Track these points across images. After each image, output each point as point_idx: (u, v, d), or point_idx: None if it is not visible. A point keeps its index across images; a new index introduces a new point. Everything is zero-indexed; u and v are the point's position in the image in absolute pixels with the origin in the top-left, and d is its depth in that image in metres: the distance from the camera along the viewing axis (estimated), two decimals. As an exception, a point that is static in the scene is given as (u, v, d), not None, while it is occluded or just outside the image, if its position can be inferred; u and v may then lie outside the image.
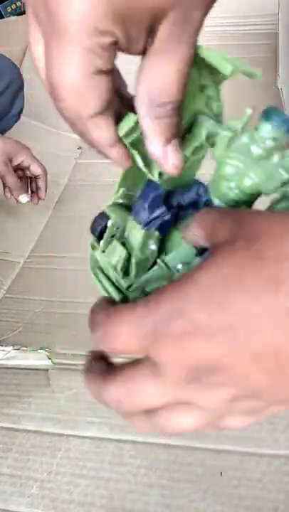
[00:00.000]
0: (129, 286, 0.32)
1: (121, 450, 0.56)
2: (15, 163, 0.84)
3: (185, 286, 0.21)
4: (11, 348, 0.69)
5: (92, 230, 0.34)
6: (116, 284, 0.33)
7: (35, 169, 0.87)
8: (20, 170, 0.87)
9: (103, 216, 0.33)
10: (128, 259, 0.32)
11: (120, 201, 0.34)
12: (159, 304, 0.22)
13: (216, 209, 0.27)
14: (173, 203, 0.31)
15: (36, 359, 0.68)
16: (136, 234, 0.31)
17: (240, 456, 0.54)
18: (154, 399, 0.23)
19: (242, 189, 0.27)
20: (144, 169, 0.29)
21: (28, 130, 1.15)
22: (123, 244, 0.32)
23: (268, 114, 0.27)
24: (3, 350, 0.69)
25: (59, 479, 0.54)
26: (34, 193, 0.90)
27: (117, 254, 0.32)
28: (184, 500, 0.51)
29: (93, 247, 0.34)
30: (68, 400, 0.62)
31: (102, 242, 0.33)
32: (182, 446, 0.55)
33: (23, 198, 0.86)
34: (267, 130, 0.27)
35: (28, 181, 0.90)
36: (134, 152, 0.28)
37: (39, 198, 0.90)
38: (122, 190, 0.33)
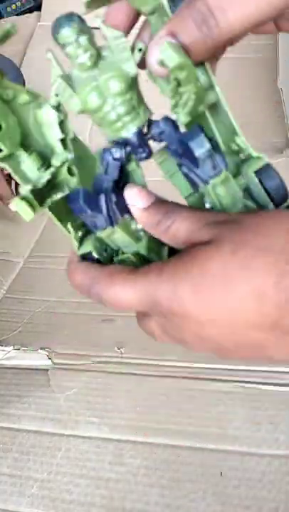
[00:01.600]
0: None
1: (121, 450, 0.56)
2: (7, 170, 0.84)
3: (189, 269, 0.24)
4: (11, 347, 0.69)
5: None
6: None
7: None
8: None
9: None
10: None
11: None
12: (171, 279, 0.25)
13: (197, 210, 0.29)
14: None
15: (36, 359, 0.68)
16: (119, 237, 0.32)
17: (241, 456, 0.54)
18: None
19: None
20: None
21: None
22: None
23: None
24: (3, 350, 0.69)
25: (59, 479, 0.55)
26: None
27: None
28: (184, 500, 0.51)
29: None
30: (68, 400, 0.62)
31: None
32: (182, 446, 0.55)
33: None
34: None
35: None
36: None
37: None
38: None
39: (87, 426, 0.59)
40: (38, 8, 1.59)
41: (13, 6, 1.59)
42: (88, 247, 0.33)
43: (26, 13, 1.60)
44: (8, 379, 0.66)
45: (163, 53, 0.26)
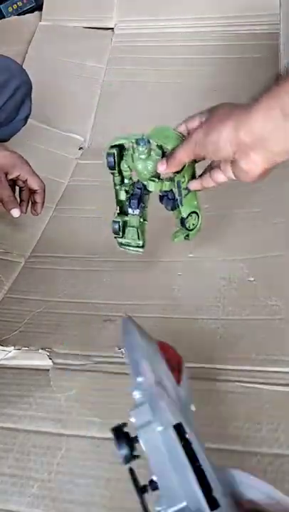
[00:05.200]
0: None
1: (121, 450, 0.56)
2: (10, 176, 0.84)
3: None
4: (12, 348, 0.70)
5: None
6: None
7: (32, 184, 0.86)
8: (21, 181, 0.86)
9: None
10: None
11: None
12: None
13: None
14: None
15: (37, 359, 0.68)
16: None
17: (241, 456, 0.54)
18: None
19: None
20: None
21: (30, 131, 1.15)
22: None
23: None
24: (4, 350, 0.69)
25: (59, 479, 0.55)
26: (34, 204, 0.90)
27: None
28: (185, 500, 0.51)
29: None
30: (69, 400, 0.62)
31: None
32: (183, 446, 0.55)
33: (15, 212, 0.85)
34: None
35: (28, 193, 0.90)
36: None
37: (36, 213, 0.90)
38: None
39: (87, 426, 0.59)
40: (39, 8, 1.60)
41: (15, 6, 1.59)
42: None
43: (27, 12, 1.61)
44: (8, 379, 0.66)
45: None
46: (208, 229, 0.79)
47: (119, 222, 0.74)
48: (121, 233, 0.74)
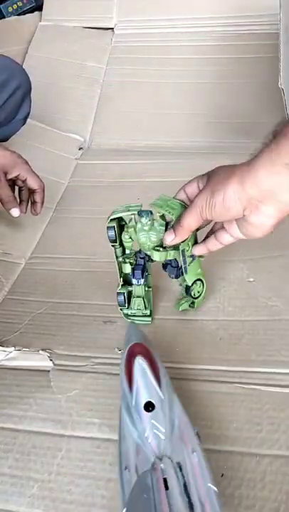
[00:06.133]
0: None
1: (122, 451, 0.56)
2: (10, 176, 0.84)
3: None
4: (12, 348, 0.70)
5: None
6: None
7: (31, 184, 0.86)
8: (21, 181, 0.87)
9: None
10: None
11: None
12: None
13: None
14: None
15: (37, 360, 0.68)
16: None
17: (241, 457, 0.54)
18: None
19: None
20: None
21: (30, 131, 1.16)
22: None
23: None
24: (4, 351, 0.69)
25: (60, 479, 0.55)
26: (34, 204, 0.90)
27: None
28: (185, 501, 0.51)
29: None
30: (69, 401, 0.62)
31: None
32: (183, 446, 0.55)
33: (15, 212, 0.85)
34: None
35: (27, 193, 0.90)
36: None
37: (35, 212, 0.90)
38: None
39: (87, 427, 0.59)
40: (39, 8, 1.60)
41: (15, 6, 1.59)
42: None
43: (27, 13, 1.61)
44: (9, 380, 0.66)
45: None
46: (208, 229, 0.79)
47: (124, 293, 0.70)
48: (126, 304, 0.71)
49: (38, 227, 1.00)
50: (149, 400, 0.49)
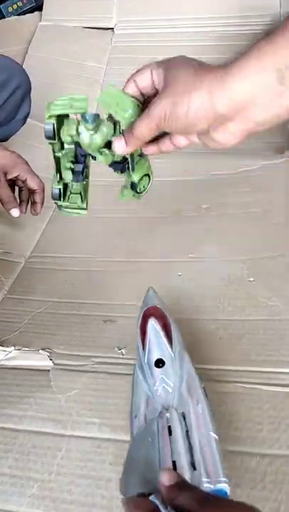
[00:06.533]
0: None
1: (122, 451, 0.56)
2: (9, 176, 0.84)
3: None
4: (12, 348, 0.70)
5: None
6: None
7: (31, 184, 0.86)
8: (21, 181, 0.87)
9: None
10: None
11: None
12: None
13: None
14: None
15: (37, 360, 0.68)
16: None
17: (242, 457, 0.54)
18: None
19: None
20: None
21: (29, 131, 1.15)
22: None
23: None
24: (4, 351, 0.69)
25: (60, 479, 0.55)
26: (33, 204, 0.90)
27: None
28: (185, 501, 0.51)
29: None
30: (69, 401, 0.62)
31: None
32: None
33: (15, 212, 0.85)
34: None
35: (27, 193, 0.90)
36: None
37: (35, 213, 0.90)
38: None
39: (87, 426, 0.59)
40: (39, 8, 1.60)
41: (15, 6, 1.59)
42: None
43: (27, 13, 1.61)
44: (9, 379, 0.66)
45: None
46: (208, 229, 0.79)
47: (60, 188, 0.64)
48: (62, 198, 0.66)
49: (38, 227, 1.00)
50: (160, 357, 0.52)
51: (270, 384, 0.60)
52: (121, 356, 0.67)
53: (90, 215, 1.01)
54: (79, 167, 0.62)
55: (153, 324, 0.54)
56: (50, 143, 0.59)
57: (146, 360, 0.53)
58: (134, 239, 0.91)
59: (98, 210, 1.00)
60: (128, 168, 0.61)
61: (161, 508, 0.35)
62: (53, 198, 0.66)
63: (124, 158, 0.60)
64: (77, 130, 0.57)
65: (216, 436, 0.46)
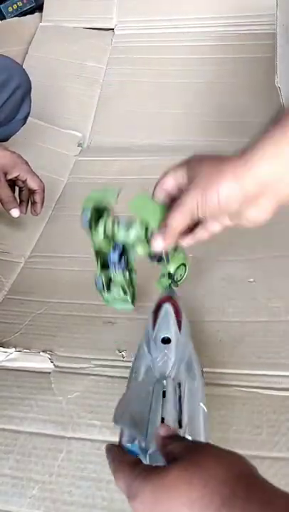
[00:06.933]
0: None
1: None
2: (9, 176, 0.84)
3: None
4: (13, 349, 0.70)
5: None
6: None
7: (31, 184, 0.86)
8: (21, 181, 0.87)
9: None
10: None
11: None
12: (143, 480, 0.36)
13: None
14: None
15: (38, 362, 0.68)
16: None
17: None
18: None
19: None
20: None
21: (28, 129, 1.15)
22: None
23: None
24: (5, 352, 0.69)
25: (60, 481, 0.55)
26: (33, 204, 0.90)
27: None
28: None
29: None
30: (70, 403, 0.62)
31: None
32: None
33: (15, 212, 0.85)
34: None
35: (28, 193, 0.90)
36: None
37: (35, 213, 0.90)
38: None
39: (88, 428, 0.59)
40: (39, 8, 1.60)
41: (15, 6, 1.59)
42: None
43: (27, 13, 1.61)
44: (10, 381, 0.66)
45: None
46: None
47: (102, 277, 0.66)
48: (105, 289, 0.67)
49: (38, 226, 1.00)
50: (167, 336, 0.55)
51: (270, 387, 0.60)
52: (121, 359, 0.67)
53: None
54: (114, 256, 0.63)
55: (167, 307, 0.58)
56: (89, 230, 0.62)
57: (153, 336, 0.56)
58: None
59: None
60: (164, 259, 0.63)
61: (141, 454, 0.40)
62: (97, 289, 0.67)
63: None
64: (112, 226, 0.61)
65: (205, 409, 0.48)
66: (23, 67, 1.13)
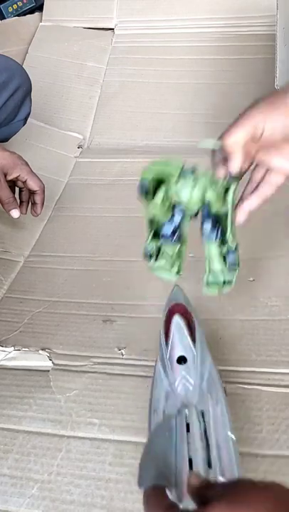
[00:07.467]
0: None
1: (121, 451, 0.56)
2: (10, 177, 0.84)
3: None
4: (12, 348, 0.69)
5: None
6: None
7: (31, 185, 0.86)
8: (21, 182, 0.87)
9: None
10: None
11: None
12: None
13: None
14: None
15: (37, 360, 0.68)
16: None
17: (242, 457, 0.53)
18: None
19: None
20: None
21: (29, 130, 1.15)
22: None
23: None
24: (4, 351, 0.69)
25: (59, 480, 0.54)
26: (34, 205, 0.90)
27: None
28: (185, 501, 0.51)
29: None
30: (69, 401, 0.62)
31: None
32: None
33: (15, 213, 0.85)
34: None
35: (28, 194, 0.90)
36: None
37: (35, 213, 0.90)
38: None
39: (87, 427, 0.59)
40: (39, 8, 1.60)
41: (15, 6, 1.59)
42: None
43: (27, 13, 1.61)
44: (8, 380, 0.66)
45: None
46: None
47: (152, 248, 0.63)
48: (154, 257, 0.64)
49: (37, 226, 0.99)
50: (183, 354, 0.53)
51: (270, 385, 0.60)
52: (121, 357, 0.67)
53: (90, 215, 1.02)
54: (168, 229, 0.60)
55: (178, 321, 0.55)
56: (145, 199, 0.59)
57: (168, 356, 0.54)
58: (134, 238, 0.91)
59: (97, 208, 1.01)
60: (223, 233, 0.61)
61: (176, 501, 0.37)
62: (144, 257, 0.64)
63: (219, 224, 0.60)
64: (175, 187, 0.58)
65: (234, 438, 0.46)
66: (23, 67, 1.12)
